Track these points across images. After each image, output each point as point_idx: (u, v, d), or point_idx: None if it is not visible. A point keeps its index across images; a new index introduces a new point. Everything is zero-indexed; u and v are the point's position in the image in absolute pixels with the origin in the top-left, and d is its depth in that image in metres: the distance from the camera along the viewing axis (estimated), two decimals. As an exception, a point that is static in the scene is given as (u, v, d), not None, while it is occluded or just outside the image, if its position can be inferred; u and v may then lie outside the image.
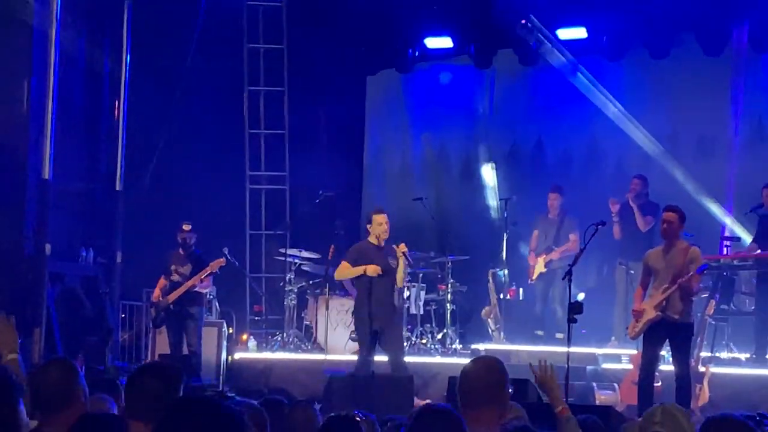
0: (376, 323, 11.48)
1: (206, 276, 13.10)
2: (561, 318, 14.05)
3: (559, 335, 14.07)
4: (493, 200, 16.85)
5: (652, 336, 10.84)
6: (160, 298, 13.10)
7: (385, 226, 11.62)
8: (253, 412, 4.49)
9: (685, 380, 10.76)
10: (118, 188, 15.31)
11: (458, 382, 5.29)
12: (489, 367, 5.34)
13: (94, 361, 13.35)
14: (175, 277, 13.11)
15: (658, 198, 14.18)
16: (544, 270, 14.45)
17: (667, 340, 10.91)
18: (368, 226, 11.79)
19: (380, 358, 11.88)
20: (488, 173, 17.04)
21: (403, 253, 11.49)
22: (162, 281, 13.23)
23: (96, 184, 15.52)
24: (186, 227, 13.15)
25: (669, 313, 10.65)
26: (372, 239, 11.68)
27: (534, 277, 14.60)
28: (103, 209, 15.45)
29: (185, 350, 13.01)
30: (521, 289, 15.54)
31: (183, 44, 15.94)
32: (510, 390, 5.22)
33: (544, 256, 14.48)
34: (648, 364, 10.86)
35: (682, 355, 10.80)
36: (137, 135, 15.62)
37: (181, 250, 13.19)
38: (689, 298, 10.77)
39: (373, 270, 11.47)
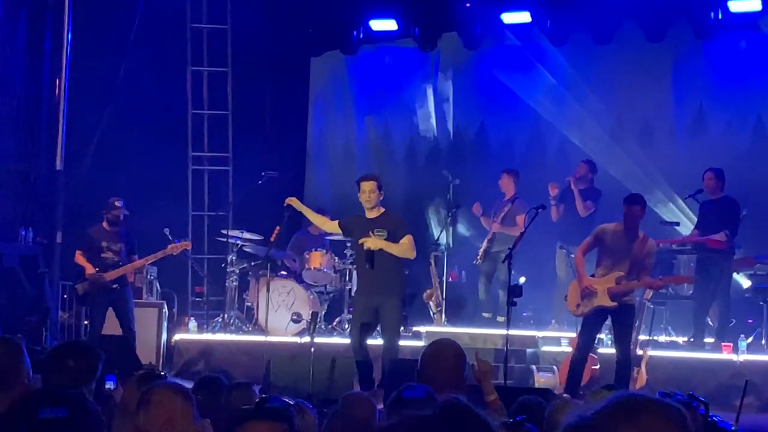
0: (371, 302, 11.01)
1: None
2: (502, 300, 14.15)
3: (500, 318, 14.16)
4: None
5: (596, 319, 10.96)
6: (101, 275, 12.70)
7: (368, 194, 10.92)
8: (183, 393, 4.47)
9: (625, 363, 10.90)
10: (58, 168, 15.14)
11: (422, 365, 5.32)
12: (456, 352, 5.38)
13: (33, 341, 13.22)
14: (108, 255, 12.75)
15: (600, 183, 14.29)
16: (487, 245, 14.49)
17: (610, 323, 11.03)
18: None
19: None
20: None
21: (368, 248, 10.89)
22: (81, 258, 12.78)
23: (36, 163, 15.37)
24: (117, 203, 12.80)
25: (619, 300, 10.80)
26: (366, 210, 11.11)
27: (479, 258, 14.63)
28: (43, 189, 15.30)
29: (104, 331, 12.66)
30: (463, 272, 15.61)
31: (125, 23, 15.81)
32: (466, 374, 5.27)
33: (489, 235, 14.57)
34: (585, 346, 10.99)
35: (624, 339, 10.93)
36: (78, 114, 15.47)
37: (107, 226, 12.84)
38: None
39: (369, 243, 10.87)
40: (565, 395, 9.86)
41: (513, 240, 14.02)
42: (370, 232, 10.92)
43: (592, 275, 10.99)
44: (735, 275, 13.59)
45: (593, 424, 2.12)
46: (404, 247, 10.90)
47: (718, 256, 12.84)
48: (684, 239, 13.56)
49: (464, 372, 5.31)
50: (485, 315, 14.62)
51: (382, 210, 11.04)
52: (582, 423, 2.16)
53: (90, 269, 12.70)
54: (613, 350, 12.14)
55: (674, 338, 13.80)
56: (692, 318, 13.34)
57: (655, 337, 13.43)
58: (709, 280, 12.96)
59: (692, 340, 13.24)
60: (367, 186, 10.94)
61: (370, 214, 11.02)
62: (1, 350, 4.78)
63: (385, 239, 10.91)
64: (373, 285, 10.96)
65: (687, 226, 14.41)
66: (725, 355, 12.70)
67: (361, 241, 10.94)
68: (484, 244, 14.67)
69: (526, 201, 13.83)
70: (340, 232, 11.80)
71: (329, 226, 11.79)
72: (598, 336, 11.23)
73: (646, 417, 2.12)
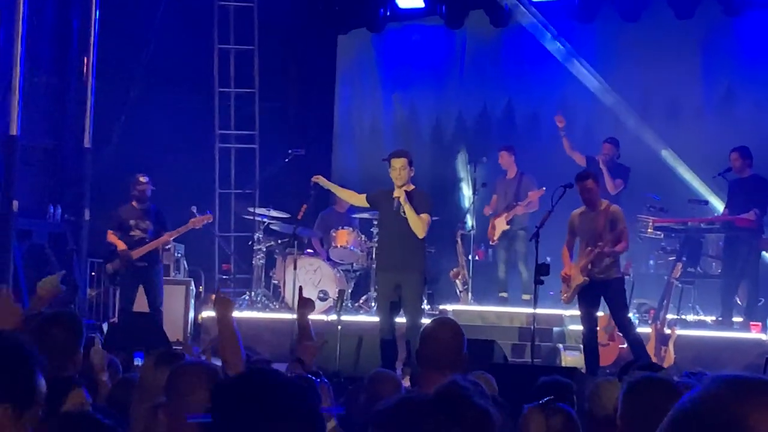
0: (393, 278, 10.82)
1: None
2: (526, 279, 14.13)
3: (525, 296, 14.14)
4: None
5: (585, 298, 11.04)
6: (130, 252, 12.74)
7: (398, 171, 10.67)
8: (209, 371, 4.47)
9: (630, 335, 10.95)
10: (86, 145, 15.19)
11: (422, 343, 5.31)
12: (454, 330, 5.36)
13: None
14: (137, 233, 12.82)
15: (628, 160, 14.22)
16: (506, 227, 14.40)
17: (602, 299, 11.07)
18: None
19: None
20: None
21: (397, 197, 10.67)
22: (113, 236, 12.83)
23: (64, 140, 15.42)
24: (142, 179, 12.87)
25: (595, 274, 10.87)
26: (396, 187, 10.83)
27: (496, 238, 14.56)
28: (71, 166, 15.35)
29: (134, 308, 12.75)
30: (490, 251, 15.58)
31: (153, 1, 15.82)
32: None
33: (506, 214, 14.46)
34: (586, 324, 11.02)
35: (618, 311, 11.00)
36: (106, 92, 15.50)
37: (135, 204, 12.92)
38: (615, 256, 11.00)
39: (398, 192, 10.66)
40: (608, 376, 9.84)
41: (527, 217, 14.12)
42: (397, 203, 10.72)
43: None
44: (764, 254, 13.51)
45: (717, 411, 2.04)
46: (418, 222, 10.65)
47: (746, 234, 12.77)
48: (712, 218, 13.49)
49: (463, 351, 5.29)
50: (503, 295, 14.59)
51: (412, 187, 10.85)
52: (702, 411, 2.06)
53: (121, 245, 12.76)
54: (641, 329, 12.18)
55: (702, 317, 13.74)
56: (720, 297, 13.28)
57: (683, 316, 13.38)
58: (738, 258, 12.90)
59: (720, 319, 13.18)
60: (398, 163, 10.73)
61: (398, 191, 10.79)
62: (63, 326, 4.72)
63: None
64: (394, 260, 10.83)
65: (716, 204, 14.34)
66: (753, 334, 12.65)
67: (395, 195, 10.70)
68: (501, 226, 14.51)
69: (544, 178, 13.83)
70: (368, 205, 11.72)
71: (357, 199, 11.65)
72: (596, 314, 11.21)
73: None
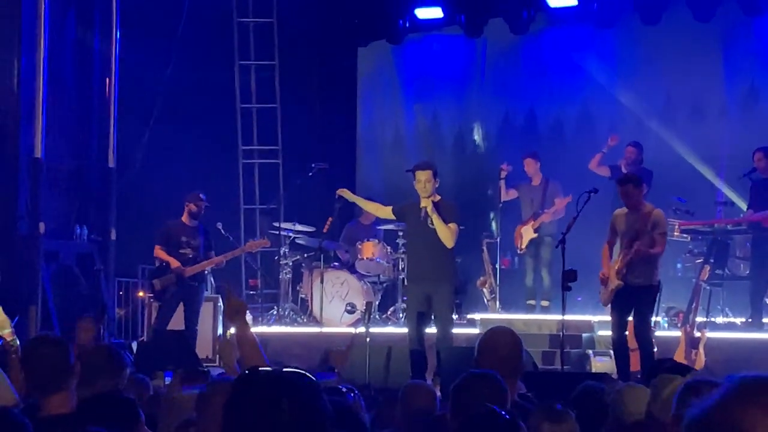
0: (423, 289, 10.79)
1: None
2: (548, 285, 14.13)
3: (544, 303, 14.14)
4: None
5: (619, 303, 10.88)
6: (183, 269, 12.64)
7: (423, 183, 10.61)
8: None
9: (643, 342, 10.82)
10: (110, 165, 15.29)
11: (480, 353, 5.31)
12: (512, 337, 5.38)
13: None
14: (187, 251, 12.76)
15: (651, 163, 14.17)
16: (534, 236, 14.40)
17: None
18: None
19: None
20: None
21: (424, 207, 10.64)
22: (162, 252, 12.77)
23: (88, 161, 15.48)
24: (202, 196, 12.85)
25: (630, 279, 10.73)
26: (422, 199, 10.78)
27: (524, 246, 14.55)
28: (96, 186, 15.41)
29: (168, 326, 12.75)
30: (516, 258, 15.56)
31: (173, 19, 15.87)
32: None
33: (533, 222, 14.46)
34: (617, 330, 10.90)
35: (639, 318, 10.86)
36: (129, 112, 15.58)
37: (188, 221, 12.87)
38: (652, 261, 10.85)
39: (425, 203, 10.62)
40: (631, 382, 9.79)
41: (554, 224, 14.10)
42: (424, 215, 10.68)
43: None
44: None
45: (719, 414, 2.05)
46: (446, 232, 10.62)
47: (773, 235, 12.73)
48: (739, 219, 13.43)
49: (521, 359, 5.30)
50: (530, 302, 14.57)
51: (438, 197, 10.82)
52: (708, 415, 2.07)
53: (175, 263, 12.67)
54: (670, 333, 12.11)
55: (732, 319, 13.68)
56: (749, 298, 13.23)
57: (713, 319, 13.33)
58: (766, 259, 12.84)
59: (750, 320, 13.12)
60: (423, 176, 10.68)
61: (425, 201, 10.74)
62: (51, 349, 4.73)
63: None
64: (424, 271, 10.82)
65: (741, 205, 14.29)
66: (783, 336, 12.59)
67: (422, 205, 10.66)
68: (528, 234, 14.50)
69: (570, 183, 13.81)
70: (394, 218, 11.70)
71: (383, 212, 11.65)
72: (627, 319, 11.11)
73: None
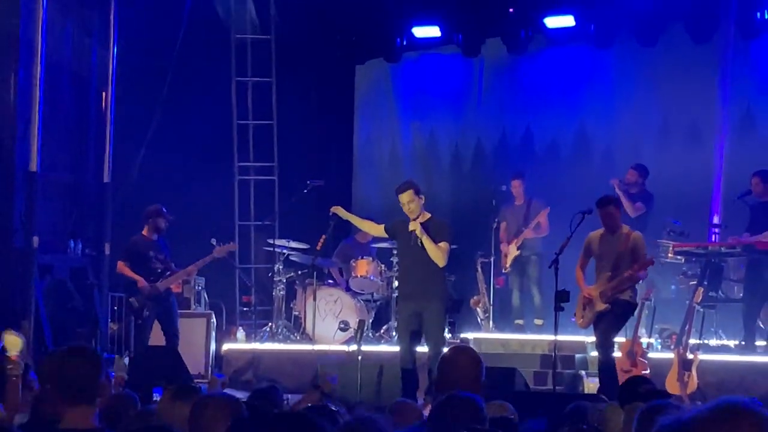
0: (414, 307, 10.81)
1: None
2: (539, 303, 14.14)
3: (537, 321, 14.15)
4: None
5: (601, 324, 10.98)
6: (155, 285, 12.75)
7: (407, 205, 10.69)
8: (231, 404, 4.47)
9: (603, 356, 10.92)
10: (106, 180, 15.28)
11: (440, 370, 5.32)
12: (472, 357, 5.37)
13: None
14: (158, 265, 12.87)
15: (648, 185, 14.17)
16: (517, 253, 14.51)
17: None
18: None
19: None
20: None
21: (413, 230, 10.68)
22: (126, 268, 12.84)
23: (84, 175, 15.47)
24: (165, 210, 12.99)
25: (613, 299, 10.84)
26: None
27: (508, 265, 14.64)
28: (91, 201, 15.40)
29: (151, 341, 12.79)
30: (510, 278, 15.56)
31: (170, 35, 15.89)
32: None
33: (515, 240, 14.54)
34: (603, 351, 10.95)
35: (607, 328, 10.94)
36: (125, 127, 15.59)
37: (152, 236, 12.95)
38: (635, 281, 10.99)
39: (413, 226, 10.65)
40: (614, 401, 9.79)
41: (539, 242, 14.18)
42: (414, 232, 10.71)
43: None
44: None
45: (693, 427, 2.09)
46: (437, 252, 10.64)
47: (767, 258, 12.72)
48: (733, 242, 13.43)
49: (481, 378, 5.30)
50: (518, 322, 14.59)
51: (428, 215, 10.86)
52: (679, 426, 2.12)
53: (142, 282, 12.77)
54: (663, 354, 12.12)
55: (725, 342, 13.69)
56: (743, 321, 13.22)
57: (706, 341, 13.32)
58: (760, 282, 12.85)
59: (743, 343, 13.12)
60: (405, 197, 10.73)
61: (413, 225, 10.77)
62: (79, 361, 4.65)
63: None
64: (415, 290, 10.84)
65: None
66: (776, 359, 12.58)
67: (411, 229, 10.70)
68: (512, 252, 14.60)
69: (565, 204, 13.81)
70: (387, 236, 11.75)
71: (376, 230, 11.66)
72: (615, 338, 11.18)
73: (746, 424, 2.08)
